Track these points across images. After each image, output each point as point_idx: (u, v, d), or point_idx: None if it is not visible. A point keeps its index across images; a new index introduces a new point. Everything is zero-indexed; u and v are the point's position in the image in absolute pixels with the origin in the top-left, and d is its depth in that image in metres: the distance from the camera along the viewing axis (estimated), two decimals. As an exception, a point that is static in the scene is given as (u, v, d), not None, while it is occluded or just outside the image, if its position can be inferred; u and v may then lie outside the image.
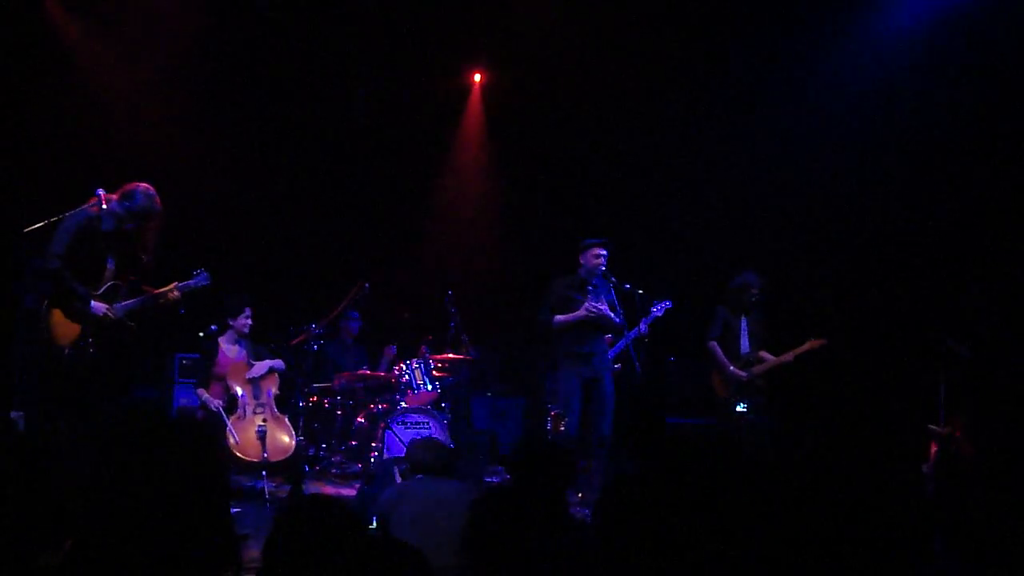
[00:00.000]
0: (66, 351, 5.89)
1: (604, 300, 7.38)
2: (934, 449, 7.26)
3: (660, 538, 2.58)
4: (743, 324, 8.14)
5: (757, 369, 8.03)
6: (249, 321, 7.51)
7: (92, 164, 7.89)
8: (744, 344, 8.12)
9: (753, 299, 8.09)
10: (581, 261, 7.53)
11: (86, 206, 6.00)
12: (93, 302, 5.98)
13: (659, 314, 7.87)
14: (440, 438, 7.92)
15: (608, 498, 2.68)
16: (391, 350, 9.25)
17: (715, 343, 8.14)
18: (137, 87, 8.88)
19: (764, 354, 8.12)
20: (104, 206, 6.00)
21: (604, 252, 7.44)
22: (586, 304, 7.32)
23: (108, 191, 6.11)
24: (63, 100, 8.44)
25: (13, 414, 5.54)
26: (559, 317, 7.38)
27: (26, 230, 5.75)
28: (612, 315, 7.33)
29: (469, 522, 3.08)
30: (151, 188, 6.18)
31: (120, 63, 8.80)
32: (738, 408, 7.89)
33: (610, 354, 7.67)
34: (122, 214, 6.06)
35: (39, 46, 8.56)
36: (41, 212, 5.98)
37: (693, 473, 3.10)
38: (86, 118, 8.55)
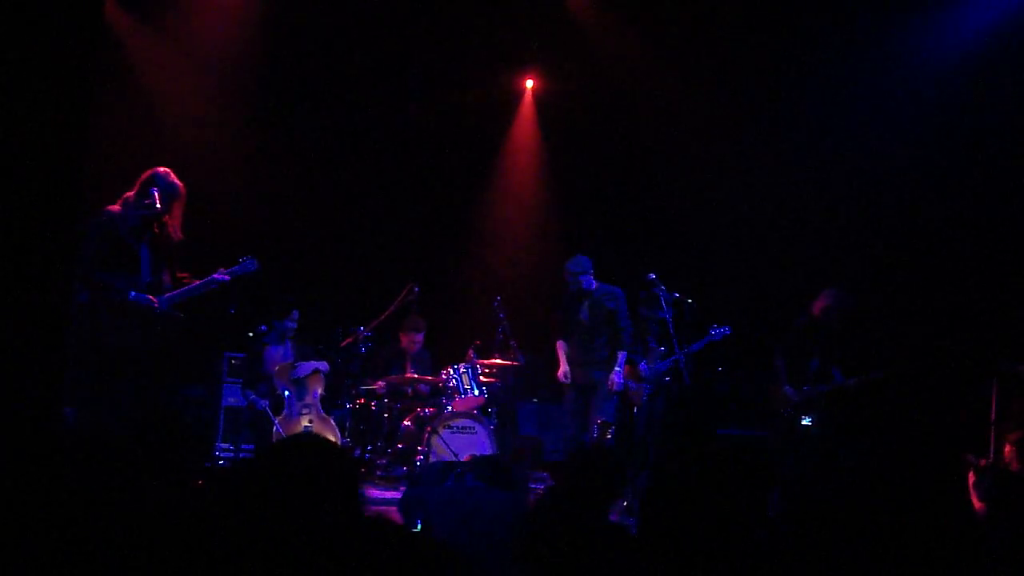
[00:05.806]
0: (113, 341, 5.91)
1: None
2: (971, 480, 7.04)
3: (699, 545, 2.55)
4: (818, 342, 7.70)
5: (816, 390, 7.68)
6: (294, 324, 7.56)
7: (143, 163, 7.94)
8: (814, 362, 7.69)
9: (836, 317, 7.62)
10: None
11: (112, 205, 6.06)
12: (134, 292, 6.01)
13: (716, 339, 7.87)
14: (486, 444, 7.93)
15: (649, 505, 2.65)
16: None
17: (782, 361, 7.75)
18: (190, 85, 8.94)
19: (834, 371, 7.73)
20: (158, 205, 6.02)
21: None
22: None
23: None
24: (117, 97, 8.49)
25: (67, 411, 5.57)
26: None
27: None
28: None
29: (521, 536, 3.04)
30: (162, 170, 6.15)
31: (174, 61, 8.85)
32: (803, 421, 7.64)
33: (662, 366, 7.73)
34: (141, 203, 6.05)
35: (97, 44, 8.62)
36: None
37: (735, 482, 3.08)
38: (139, 116, 8.60)
